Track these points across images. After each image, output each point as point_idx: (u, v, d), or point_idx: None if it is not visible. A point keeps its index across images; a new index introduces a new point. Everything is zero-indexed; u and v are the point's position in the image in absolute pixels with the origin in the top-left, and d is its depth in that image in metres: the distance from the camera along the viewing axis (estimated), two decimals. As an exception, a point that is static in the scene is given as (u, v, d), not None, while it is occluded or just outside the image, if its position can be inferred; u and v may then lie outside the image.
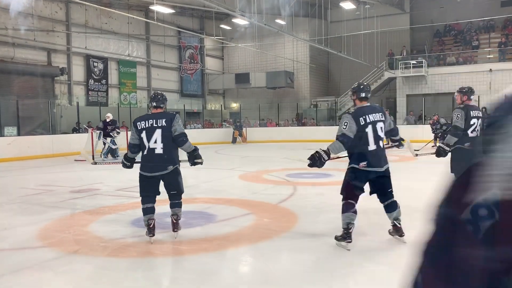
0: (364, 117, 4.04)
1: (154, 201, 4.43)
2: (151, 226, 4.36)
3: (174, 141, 4.35)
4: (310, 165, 4.14)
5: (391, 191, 4.20)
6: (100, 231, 4.94)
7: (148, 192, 4.40)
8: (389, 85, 25.33)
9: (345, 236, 3.99)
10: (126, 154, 4.69)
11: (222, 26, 25.90)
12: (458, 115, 5.32)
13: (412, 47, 26.69)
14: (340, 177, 8.65)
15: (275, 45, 26.99)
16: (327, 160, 4.09)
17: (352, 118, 4.02)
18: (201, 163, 4.53)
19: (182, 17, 26.42)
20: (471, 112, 5.35)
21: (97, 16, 21.88)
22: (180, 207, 4.53)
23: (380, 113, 4.15)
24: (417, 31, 26.41)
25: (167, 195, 4.51)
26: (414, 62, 23.74)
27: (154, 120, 4.36)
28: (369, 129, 4.03)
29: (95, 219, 5.55)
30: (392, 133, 4.50)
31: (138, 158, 4.57)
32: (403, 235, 4.13)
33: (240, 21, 19.52)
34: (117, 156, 13.43)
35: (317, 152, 4.10)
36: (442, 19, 26.08)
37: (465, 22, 25.59)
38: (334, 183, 8.17)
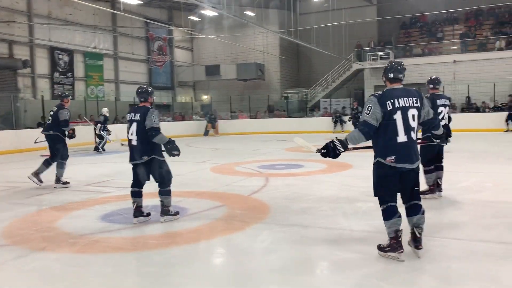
0: (392, 100, 3.39)
1: (139, 186, 4.88)
2: (134, 208, 4.84)
3: (146, 134, 4.69)
4: (323, 155, 3.60)
5: (418, 190, 3.57)
6: (69, 227, 4.82)
7: (134, 177, 4.88)
8: (357, 76, 25.72)
9: (395, 246, 3.41)
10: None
11: (191, 17, 25.55)
12: None
13: (379, 39, 27.15)
14: (311, 167, 8.82)
15: (245, 37, 26.89)
16: (342, 151, 3.54)
17: (377, 102, 3.39)
18: (177, 154, 4.81)
19: (149, 8, 25.93)
20: (437, 100, 5.49)
21: (61, 6, 21.18)
22: (166, 194, 4.85)
23: (416, 98, 3.47)
24: (384, 23, 26.86)
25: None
26: (382, 53, 24.17)
27: (133, 114, 4.83)
28: (397, 116, 3.38)
29: (63, 215, 5.41)
30: (431, 125, 3.76)
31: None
32: (420, 248, 3.45)
33: (209, 12, 19.30)
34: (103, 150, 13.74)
35: (332, 141, 3.56)
36: (408, 11, 26.61)
37: (430, 14, 26.20)
38: (306, 173, 8.28)
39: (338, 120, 20.81)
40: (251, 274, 3.41)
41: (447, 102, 5.60)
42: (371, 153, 3.63)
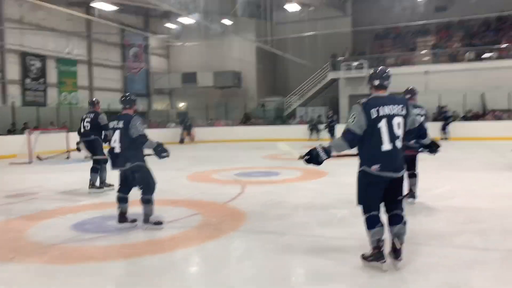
0: (377, 108, 3.33)
1: (125, 192, 4.91)
2: (119, 213, 4.88)
3: (134, 142, 4.74)
4: (306, 161, 3.54)
5: (401, 200, 3.54)
6: (39, 236, 4.68)
7: (120, 183, 4.95)
8: (332, 85, 26.06)
9: (378, 255, 3.37)
10: (108, 149, 5.06)
11: (168, 24, 25.44)
12: None
13: (354, 49, 27.61)
14: (287, 175, 8.85)
15: (222, 45, 26.93)
16: (326, 158, 3.48)
17: (362, 110, 3.33)
18: (167, 156, 4.88)
19: (125, 15, 25.67)
20: (414, 110, 5.59)
21: (34, 11, 20.74)
22: (147, 202, 4.81)
23: (401, 106, 3.43)
24: (359, 34, 27.33)
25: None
26: (356, 63, 24.57)
27: (116, 122, 4.86)
28: (382, 124, 3.32)
29: (33, 224, 5.25)
30: (417, 134, 3.71)
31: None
32: (400, 259, 3.38)
33: (186, 20, 19.27)
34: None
35: (315, 148, 3.51)
36: (382, 22, 27.20)
37: (403, 25, 26.85)
38: (282, 181, 8.30)
39: (314, 128, 20.98)
40: (225, 282, 3.38)
41: (423, 112, 5.72)
42: (346, 161, 3.68)
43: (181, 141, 21.57)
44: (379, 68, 3.58)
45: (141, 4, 22.90)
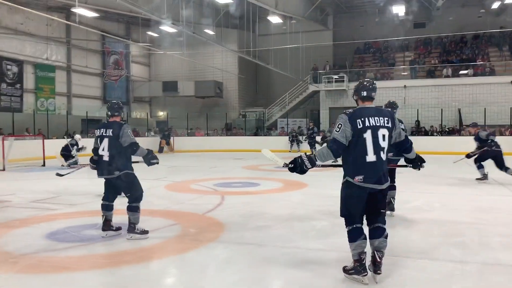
0: (362, 119, 3.34)
1: (110, 200, 4.87)
2: (104, 221, 4.82)
3: (126, 150, 4.70)
4: (290, 170, 3.53)
5: (384, 213, 3.50)
6: (10, 246, 4.51)
7: (105, 191, 4.90)
8: (313, 98, 26.31)
9: (359, 269, 3.34)
10: (92, 157, 5.01)
11: (149, 32, 25.31)
12: None
13: (334, 63, 28.02)
14: (267, 186, 8.82)
15: (204, 55, 26.94)
16: (310, 168, 3.47)
17: (348, 120, 3.34)
18: (157, 163, 4.98)
19: (106, 22, 25.48)
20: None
21: (12, 15, 20.38)
22: (133, 211, 4.75)
23: (387, 118, 3.42)
24: (339, 48, 27.78)
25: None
26: (336, 76, 24.90)
27: (104, 130, 4.77)
28: (367, 135, 3.33)
29: (5, 233, 5.07)
30: (402, 147, 3.66)
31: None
32: (379, 273, 3.34)
33: (168, 28, 19.19)
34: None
35: (300, 157, 3.49)
36: (362, 37, 27.73)
37: (383, 40, 27.41)
38: (262, 192, 8.27)
39: (294, 139, 21.08)
40: (204, 294, 3.31)
41: (403, 126, 5.79)
42: (327, 173, 3.68)
43: (160, 150, 21.35)
44: (367, 80, 3.61)
45: (122, 12, 22.74)
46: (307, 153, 3.54)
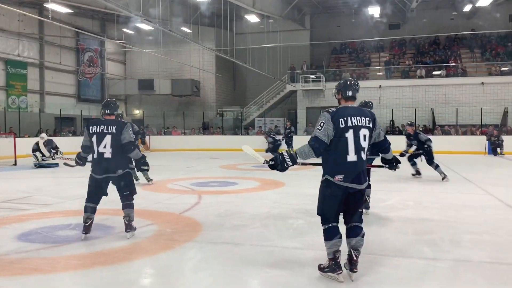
0: (345, 118, 3.35)
1: (97, 202, 4.75)
2: (87, 224, 4.65)
3: (122, 148, 4.68)
4: (271, 167, 3.50)
5: (361, 212, 3.54)
6: (-22, 248, 4.38)
7: (93, 193, 4.72)
8: (290, 97, 26.44)
9: (334, 267, 3.38)
10: (79, 153, 4.93)
11: (125, 30, 24.95)
12: None
13: (311, 62, 28.23)
14: (245, 185, 8.83)
15: (181, 53, 26.73)
16: (291, 165, 3.46)
17: (331, 119, 3.33)
18: (147, 169, 5.17)
19: (81, 18, 24.98)
20: None
21: (-19, 10, 19.74)
22: (132, 208, 4.78)
23: (368, 119, 3.45)
24: (316, 47, 28.01)
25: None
26: (313, 76, 25.10)
27: (105, 126, 4.68)
28: (349, 135, 3.34)
29: (-27, 235, 4.91)
30: (380, 148, 3.70)
31: (90, 157, 4.85)
32: (355, 271, 3.39)
33: (144, 25, 18.97)
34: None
35: (281, 154, 3.48)
36: (338, 37, 28.04)
37: (359, 41, 27.77)
38: (239, 191, 8.26)
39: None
40: (180, 294, 3.29)
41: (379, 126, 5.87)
42: (304, 172, 3.70)
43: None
44: (349, 79, 3.61)
45: (97, 8, 22.34)
46: (289, 151, 3.52)
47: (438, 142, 19.79)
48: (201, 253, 4.26)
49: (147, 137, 21.85)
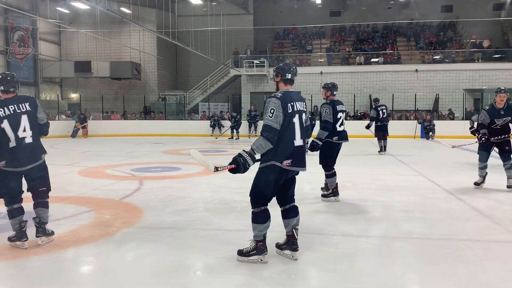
0: (292, 103, 3.34)
1: (20, 200, 3.92)
2: (24, 228, 3.87)
3: (40, 130, 3.96)
4: (232, 171, 3.36)
5: (293, 193, 3.63)
6: None
7: (15, 190, 3.85)
8: (234, 82, 26.37)
9: (262, 248, 3.43)
10: None
11: (59, 8, 23.54)
12: (327, 110, 5.66)
13: (255, 47, 28.24)
14: (188, 170, 8.72)
15: (121, 34, 25.72)
16: (252, 165, 3.35)
17: (281, 105, 3.28)
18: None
19: (9, -6, 23.20)
20: (337, 106, 5.81)
21: None
22: (47, 207, 4.03)
23: (304, 103, 3.51)
24: (260, 32, 28.04)
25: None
26: (257, 61, 25.15)
27: (16, 105, 3.77)
28: (296, 120, 3.35)
29: None
30: (306, 131, 3.66)
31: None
32: (297, 249, 3.51)
33: (79, 4, 17.95)
34: None
35: (240, 155, 3.29)
36: (281, 23, 28.22)
37: (301, 27, 28.13)
38: (183, 176, 8.16)
39: (216, 124, 21.01)
40: (122, 281, 3.21)
41: (344, 108, 5.98)
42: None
43: (74, 134, 20.15)
44: (289, 63, 3.57)
45: (28, -16, 20.85)
46: (244, 149, 3.35)
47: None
48: (142, 238, 4.17)
49: (86, 122, 20.91)
